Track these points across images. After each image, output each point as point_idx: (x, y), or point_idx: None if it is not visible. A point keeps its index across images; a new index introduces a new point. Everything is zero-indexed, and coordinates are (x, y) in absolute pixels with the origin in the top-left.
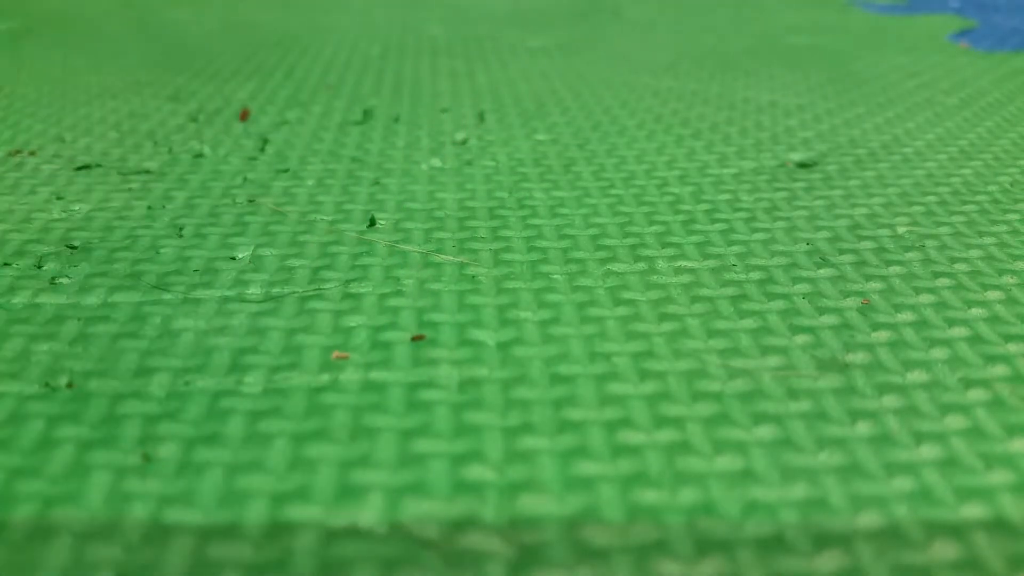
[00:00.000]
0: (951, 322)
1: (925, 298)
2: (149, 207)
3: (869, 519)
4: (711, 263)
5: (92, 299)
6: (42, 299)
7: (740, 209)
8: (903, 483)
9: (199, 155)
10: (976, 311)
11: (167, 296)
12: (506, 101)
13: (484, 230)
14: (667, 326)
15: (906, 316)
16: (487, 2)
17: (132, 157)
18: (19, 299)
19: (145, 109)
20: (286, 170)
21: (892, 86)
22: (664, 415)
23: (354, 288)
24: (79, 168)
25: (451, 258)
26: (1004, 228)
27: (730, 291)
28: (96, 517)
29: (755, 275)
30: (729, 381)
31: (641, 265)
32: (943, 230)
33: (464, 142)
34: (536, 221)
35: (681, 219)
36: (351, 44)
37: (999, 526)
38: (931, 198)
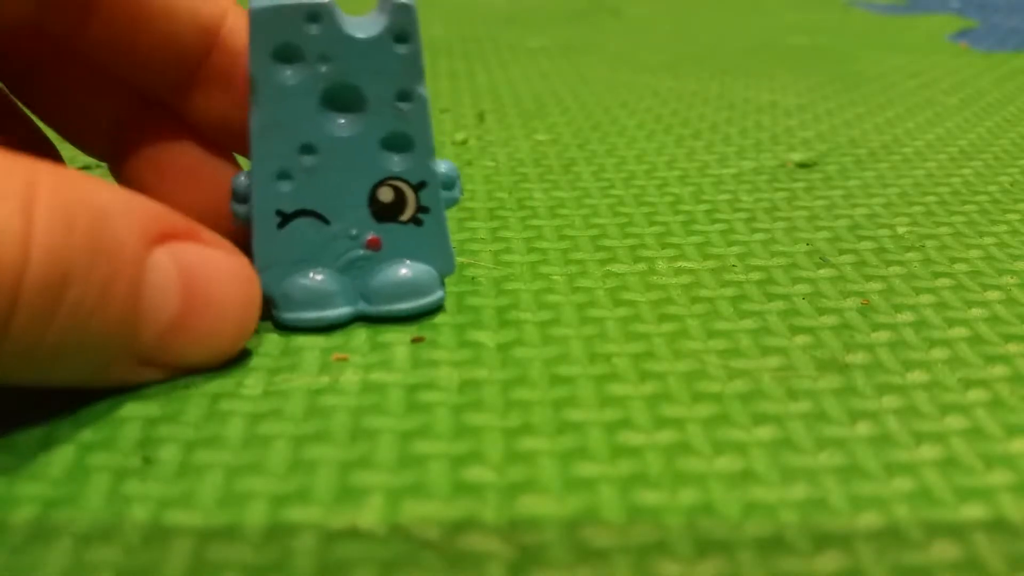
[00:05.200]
0: (951, 322)
1: (925, 298)
2: None
3: (869, 519)
4: (711, 263)
5: None
6: None
7: (740, 209)
8: (903, 483)
9: None
10: (976, 311)
11: None
12: (506, 101)
13: (484, 231)
14: (667, 327)
15: (906, 316)
16: (487, 2)
17: None
18: None
19: None
20: None
21: (892, 86)
22: (664, 416)
23: None
24: (79, 168)
25: None
26: (1004, 228)
27: (730, 291)
28: (96, 519)
29: (755, 275)
30: (729, 382)
31: (641, 266)
32: (943, 230)
33: (464, 142)
34: (536, 222)
35: (681, 219)
36: None
37: (999, 526)
38: (931, 198)
